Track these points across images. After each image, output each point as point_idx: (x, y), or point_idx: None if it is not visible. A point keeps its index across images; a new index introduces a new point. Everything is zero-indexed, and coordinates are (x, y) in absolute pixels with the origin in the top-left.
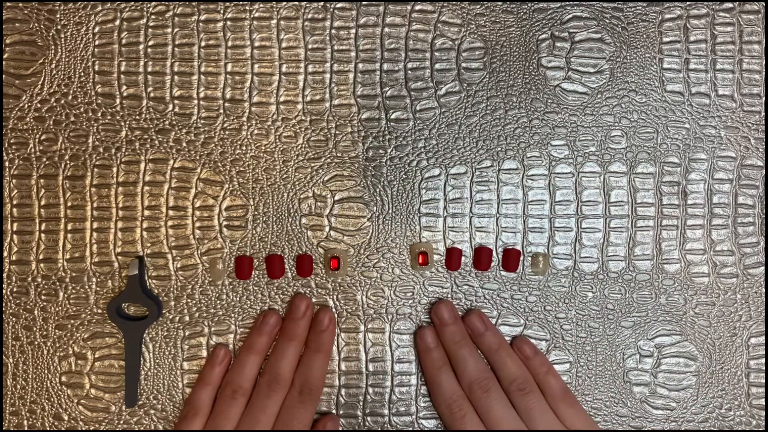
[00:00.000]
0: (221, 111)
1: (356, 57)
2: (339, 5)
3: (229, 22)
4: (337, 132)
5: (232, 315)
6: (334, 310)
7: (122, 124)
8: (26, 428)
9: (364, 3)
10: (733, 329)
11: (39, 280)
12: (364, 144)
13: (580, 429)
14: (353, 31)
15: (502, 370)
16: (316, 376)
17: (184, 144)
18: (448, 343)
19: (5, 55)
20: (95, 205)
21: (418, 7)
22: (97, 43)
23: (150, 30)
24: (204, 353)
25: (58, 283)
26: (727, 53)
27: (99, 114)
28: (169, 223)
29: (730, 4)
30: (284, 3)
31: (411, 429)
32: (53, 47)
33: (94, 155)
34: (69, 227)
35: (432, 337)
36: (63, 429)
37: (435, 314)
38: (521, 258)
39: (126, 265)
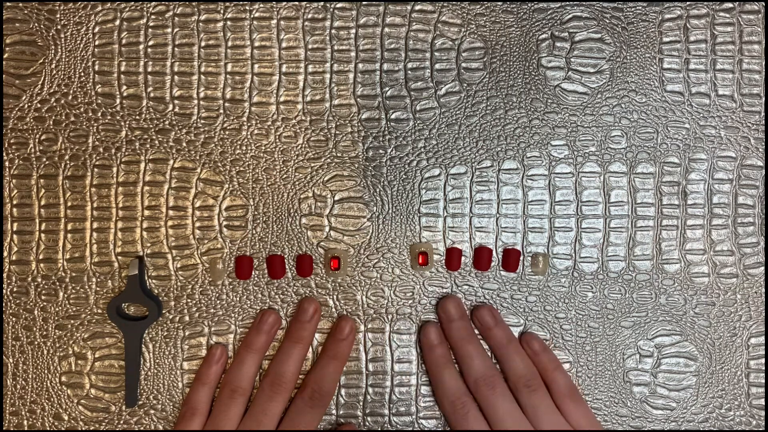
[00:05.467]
0: (221, 111)
1: (356, 57)
2: (339, 5)
3: (229, 22)
4: (337, 132)
5: (232, 315)
6: (356, 320)
7: (122, 124)
8: (26, 428)
9: (364, 3)
10: (733, 329)
11: (39, 280)
12: (364, 144)
13: (584, 427)
14: (353, 31)
15: (510, 366)
16: (329, 381)
17: (184, 144)
18: (454, 339)
19: (5, 55)
20: (95, 205)
21: (418, 7)
22: (97, 43)
23: (150, 30)
24: (204, 353)
25: (58, 283)
26: (727, 53)
27: (99, 114)
28: (169, 223)
29: (730, 4)
30: (284, 3)
31: (411, 429)
32: (53, 47)
33: (94, 155)
34: (69, 227)
35: (435, 334)
36: (63, 429)
37: (441, 309)
38: (521, 258)
39: (126, 265)
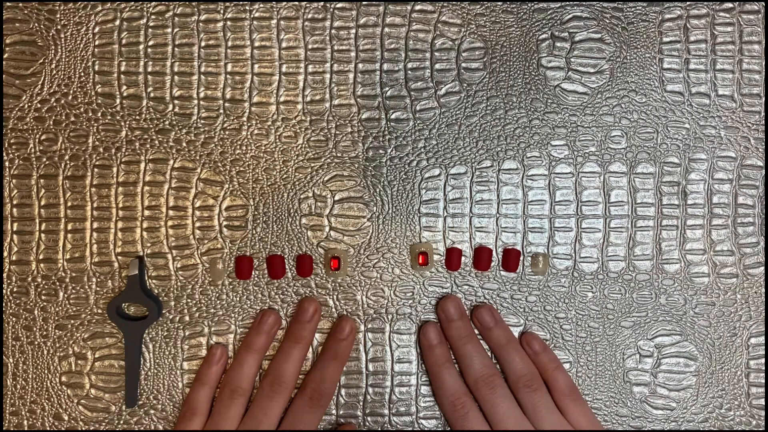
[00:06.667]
0: (221, 111)
1: (356, 57)
2: (339, 5)
3: (229, 22)
4: (337, 132)
5: (232, 315)
6: (356, 320)
7: (122, 124)
8: (26, 428)
9: (364, 3)
10: (733, 329)
11: (39, 280)
12: (364, 144)
13: (584, 426)
14: (353, 31)
15: (510, 366)
16: (329, 382)
17: (184, 144)
18: (454, 339)
19: (5, 55)
20: (95, 205)
21: (418, 7)
22: (97, 43)
23: (150, 30)
24: (204, 353)
25: (58, 283)
26: (727, 53)
27: (99, 114)
28: (169, 223)
29: (730, 4)
30: (284, 3)
31: (411, 429)
32: (53, 47)
33: (94, 155)
34: (69, 227)
35: (435, 334)
36: (63, 429)
37: (441, 309)
38: (521, 258)
39: (126, 265)
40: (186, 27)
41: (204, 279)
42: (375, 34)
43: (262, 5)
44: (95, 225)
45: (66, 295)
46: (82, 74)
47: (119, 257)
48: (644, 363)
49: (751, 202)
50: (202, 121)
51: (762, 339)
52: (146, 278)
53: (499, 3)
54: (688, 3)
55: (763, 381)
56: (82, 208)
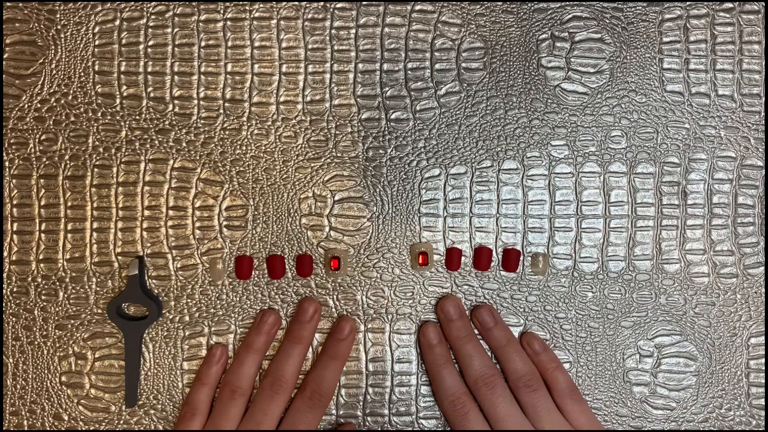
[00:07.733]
0: (221, 111)
1: (356, 57)
2: (339, 5)
3: (229, 22)
4: (337, 132)
5: (232, 315)
6: (356, 320)
7: (122, 124)
8: (26, 428)
9: (364, 3)
10: (733, 329)
11: (39, 280)
12: (364, 144)
13: (584, 426)
14: (353, 31)
15: (510, 366)
16: (329, 382)
17: (184, 144)
18: (453, 339)
19: (5, 55)
20: (95, 205)
21: (418, 7)
22: (97, 43)
23: (150, 30)
24: (204, 353)
25: (58, 283)
26: (727, 53)
27: (99, 114)
28: (169, 223)
29: (730, 4)
30: (284, 3)
31: (411, 429)
32: (53, 47)
33: (94, 155)
34: (69, 227)
35: (434, 333)
36: (63, 429)
37: (440, 309)
38: (521, 258)
39: (126, 265)
40: (186, 27)
41: (204, 279)
42: (375, 34)
43: (262, 5)
44: (95, 225)
45: (66, 295)
46: (82, 74)
47: (119, 257)
48: (644, 363)
49: (751, 202)
50: (202, 121)
51: (762, 339)
52: (146, 278)
53: (499, 3)
54: (688, 3)
55: (763, 381)
56: (82, 208)
